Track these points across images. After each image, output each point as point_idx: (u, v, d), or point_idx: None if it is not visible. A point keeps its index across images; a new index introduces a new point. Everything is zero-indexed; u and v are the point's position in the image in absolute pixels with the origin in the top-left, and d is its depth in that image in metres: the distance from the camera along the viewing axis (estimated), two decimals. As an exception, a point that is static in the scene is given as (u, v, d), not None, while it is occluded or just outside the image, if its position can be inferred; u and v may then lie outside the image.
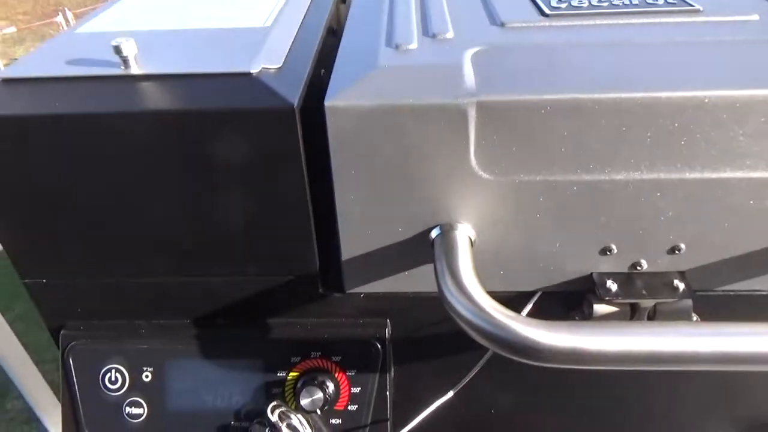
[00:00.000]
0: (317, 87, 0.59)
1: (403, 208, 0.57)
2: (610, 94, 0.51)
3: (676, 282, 0.59)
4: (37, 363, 1.47)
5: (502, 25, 0.64)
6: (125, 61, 0.55)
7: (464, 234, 0.57)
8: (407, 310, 0.66)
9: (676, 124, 0.52)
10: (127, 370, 0.65)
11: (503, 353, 0.50)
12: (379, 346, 0.64)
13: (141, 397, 0.65)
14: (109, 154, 0.55)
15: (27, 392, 1.11)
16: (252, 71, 0.55)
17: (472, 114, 0.52)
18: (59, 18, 7.28)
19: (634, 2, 0.67)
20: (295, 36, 0.66)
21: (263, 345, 0.65)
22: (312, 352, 0.64)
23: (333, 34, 0.80)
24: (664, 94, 0.50)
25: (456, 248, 0.56)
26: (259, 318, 0.66)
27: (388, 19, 0.67)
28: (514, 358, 0.50)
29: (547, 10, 0.65)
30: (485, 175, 0.55)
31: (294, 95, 0.53)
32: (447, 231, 0.58)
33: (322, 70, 0.66)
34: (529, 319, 0.49)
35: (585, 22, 0.63)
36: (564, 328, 0.49)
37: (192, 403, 0.64)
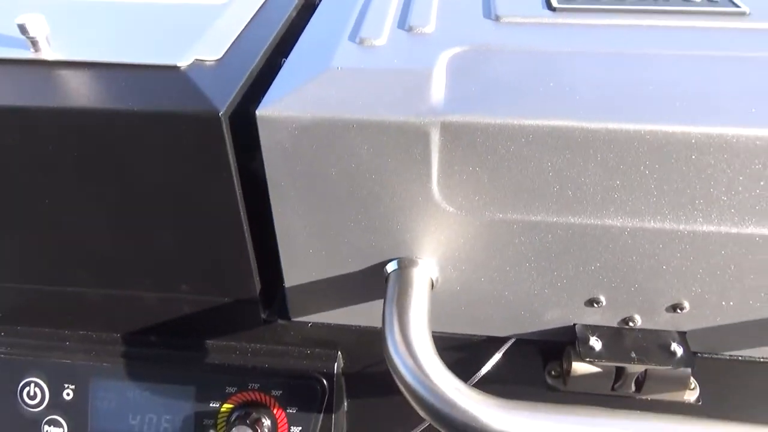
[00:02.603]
0: (267, 83, 0.49)
1: (354, 238, 0.48)
2: (608, 124, 0.40)
3: (674, 345, 0.49)
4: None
5: (497, 18, 0.53)
6: (34, 43, 0.47)
7: (424, 273, 0.48)
8: (362, 341, 0.58)
9: (692, 167, 0.41)
10: (47, 386, 0.58)
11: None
12: (325, 382, 0.57)
13: (61, 416, 0.58)
14: (15, 151, 0.46)
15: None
16: (180, 64, 0.46)
17: (435, 136, 0.42)
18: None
19: (665, -3, 0.55)
20: (254, 15, 0.56)
21: (197, 370, 0.58)
22: (249, 383, 0.57)
23: (313, 9, 0.70)
24: (677, 129, 0.40)
25: (411, 292, 0.47)
26: (195, 338, 0.59)
27: (363, 2, 0.57)
28: None
29: (555, 2, 0.54)
30: (450, 209, 0.45)
31: (225, 98, 0.44)
32: (405, 267, 0.49)
33: (283, 59, 0.56)
34: (481, 396, 0.41)
35: (600, 21, 0.52)
36: (520, 410, 0.40)
37: (116, 427, 0.58)
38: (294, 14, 0.62)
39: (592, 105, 0.42)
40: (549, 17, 0.52)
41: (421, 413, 0.42)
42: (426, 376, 0.42)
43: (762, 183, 0.41)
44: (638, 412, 0.41)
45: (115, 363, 0.58)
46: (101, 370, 0.58)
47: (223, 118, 0.43)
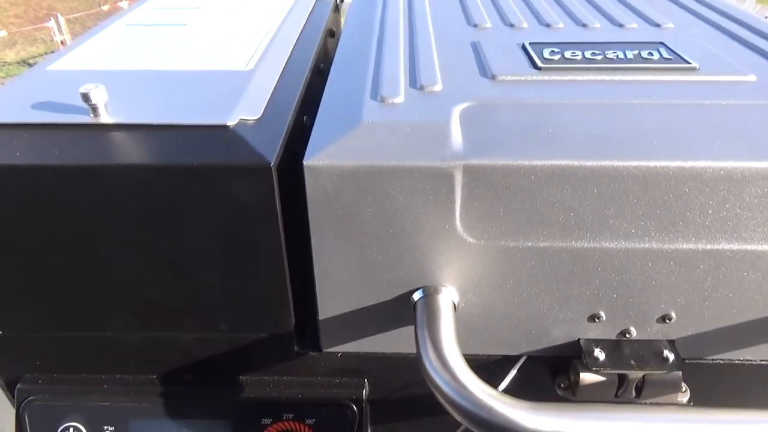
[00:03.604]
0: (298, 137, 0.56)
1: (384, 270, 0.54)
2: (602, 162, 0.48)
3: (666, 352, 0.57)
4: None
5: (493, 77, 0.61)
6: (94, 109, 0.52)
7: (448, 298, 0.55)
8: (386, 369, 0.63)
9: (671, 195, 0.49)
10: (86, 429, 0.61)
11: (484, 435, 0.47)
12: (355, 408, 0.61)
13: (101, 459, 0.61)
14: (74, 206, 0.51)
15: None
16: (229, 123, 0.52)
17: (458, 177, 0.49)
18: (51, 23, 7.24)
19: (628, 56, 0.65)
20: (278, 80, 0.63)
21: (233, 405, 0.61)
22: (284, 414, 0.61)
23: (320, 74, 0.78)
24: (658, 164, 0.48)
25: (439, 316, 0.53)
26: (230, 375, 0.62)
27: (375, 65, 0.65)
28: None
29: (539, 63, 0.63)
30: (471, 240, 0.52)
31: (272, 151, 0.50)
32: (430, 294, 0.55)
33: (305, 117, 0.63)
34: (513, 400, 0.47)
35: (578, 77, 0.61)
36: (549, 410, 0.46)
37: (155, 466, 0.61)
38: (309, 77, 0.69)
39: (586, 146, 0.50)
40: (536, 75, 0.62)
41: (463, 421, 0.47)
42: (464, 387, 0.47)
43: (727, 206, 0.50)
44: (645, 406, 0.47)
45: (153, 403, 0.61)
46: (140, 411, 0.61)
47: (273, 169, 0.49)
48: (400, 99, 0.56)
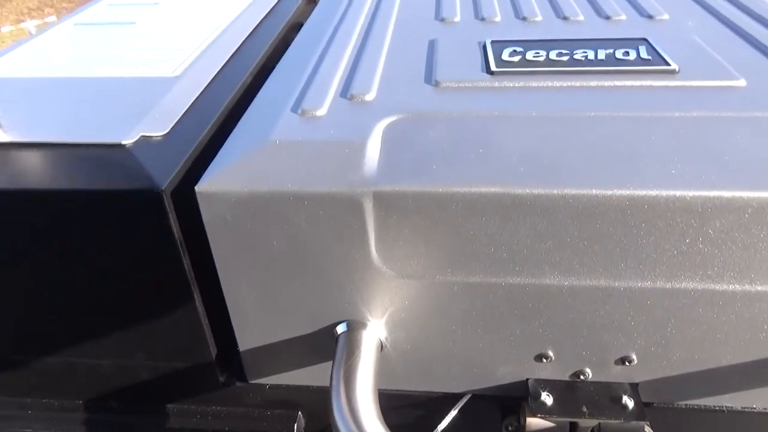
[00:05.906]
0: (215, 154, 0.51)
1: (301, 302, 0.49)
2: (533, 190, 0.41)
3: (625, 398, 0.50)
4: None
5: (436, 84, 0.54)
6: (-12, 126, 0.49)
7: (372, 334, 0.49)
8: (322, 401, 0.58)
9: (617, 228, 0.42)
10: (9, 455, 0.59)
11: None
12: (285, 443, 0.57)
13: (22, 487, 0.58)
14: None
15: None
16: (125, 142, 0.47)
17: (368, 205, 0.43)
18: (95, 7, 7.44)
19: (600, 57, 0.57)
20: (205, 87, 0.58)
21: (158, 435, 0.58)
22: (210, 447, 0.57)
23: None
24: (599, 192, 0.41)
25: (358, 355, 0.47)
26: (156, 403, 0.59)
27: (312, 68, 0.59)
28: None
29: (493, 67, 0.56)
30: (391, 273, 0.46)
31: (168, 173, 0.46)
32: (353, 329, 0.49)
33: None
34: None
35: (533, 84, 0.54)
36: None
37: (77, 496, 0.58)
38: (250, 80, 0.64)
39: (520, 171, 0.43)
40: (487, 81, 0.54)
41: None
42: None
43: (687, 240, 0.42)
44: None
45: (77, 431, 0.58)
46: (63, 439, 0.58)
47: (165, 194, 0.44)
48: (322, 111, 0.50)
